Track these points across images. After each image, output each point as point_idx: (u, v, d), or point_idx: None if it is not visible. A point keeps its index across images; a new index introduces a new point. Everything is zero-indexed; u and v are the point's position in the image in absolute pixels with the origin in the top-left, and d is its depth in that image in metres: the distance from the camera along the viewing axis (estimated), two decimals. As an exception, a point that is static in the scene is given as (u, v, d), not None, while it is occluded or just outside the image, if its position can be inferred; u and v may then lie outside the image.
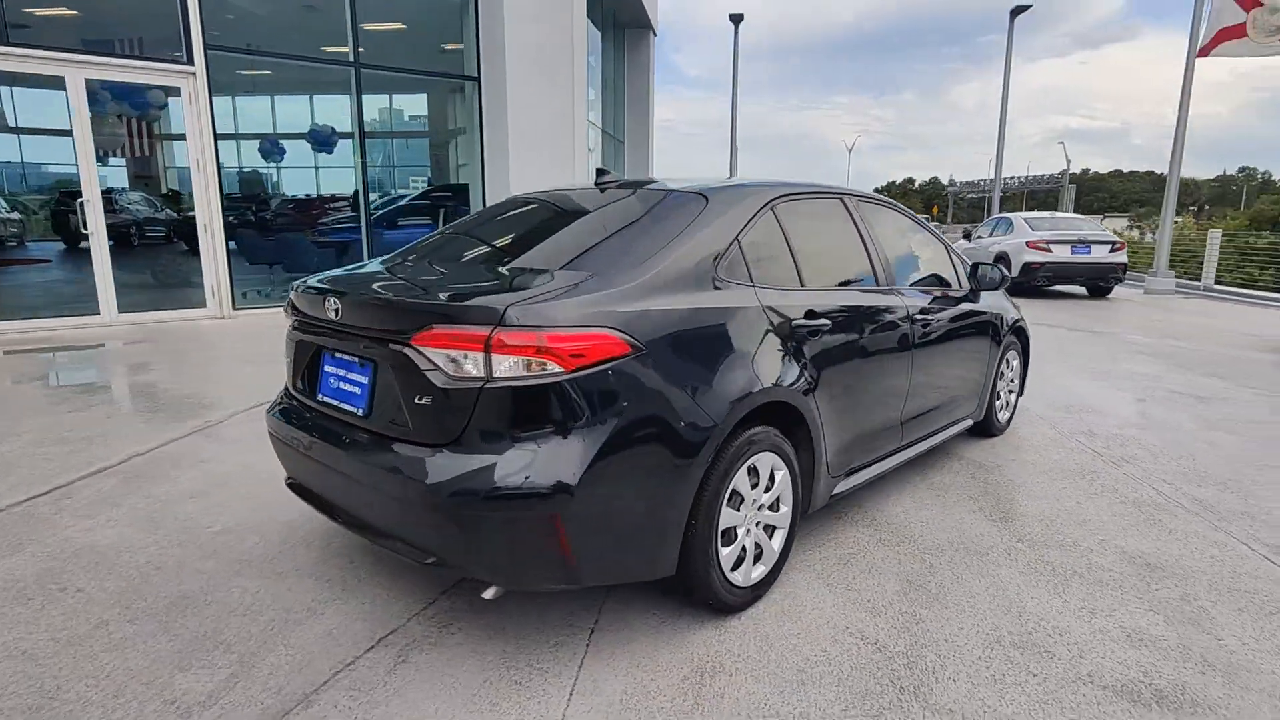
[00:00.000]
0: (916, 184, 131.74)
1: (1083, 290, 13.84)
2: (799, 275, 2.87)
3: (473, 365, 2.03)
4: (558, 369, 2.01)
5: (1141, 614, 2.57)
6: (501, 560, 2.08)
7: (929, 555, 2.99)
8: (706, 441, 2.24)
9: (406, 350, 2.13)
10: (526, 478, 1.98)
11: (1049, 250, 12.67)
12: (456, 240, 3.13)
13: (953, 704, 2.08)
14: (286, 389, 2.82)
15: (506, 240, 3.00)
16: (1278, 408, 5.49)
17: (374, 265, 2.92)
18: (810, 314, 2.77)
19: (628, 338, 2.12)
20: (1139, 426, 4.90)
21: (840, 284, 3.15)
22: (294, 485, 2.76)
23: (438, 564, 2.17)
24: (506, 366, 2.00)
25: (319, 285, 2.55)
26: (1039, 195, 67.34)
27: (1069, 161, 53.55)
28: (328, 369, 2.53)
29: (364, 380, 2.33)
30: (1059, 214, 15.36)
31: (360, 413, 2.33)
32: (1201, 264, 15.68)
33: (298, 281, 2.77)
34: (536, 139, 10.73)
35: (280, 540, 3.02)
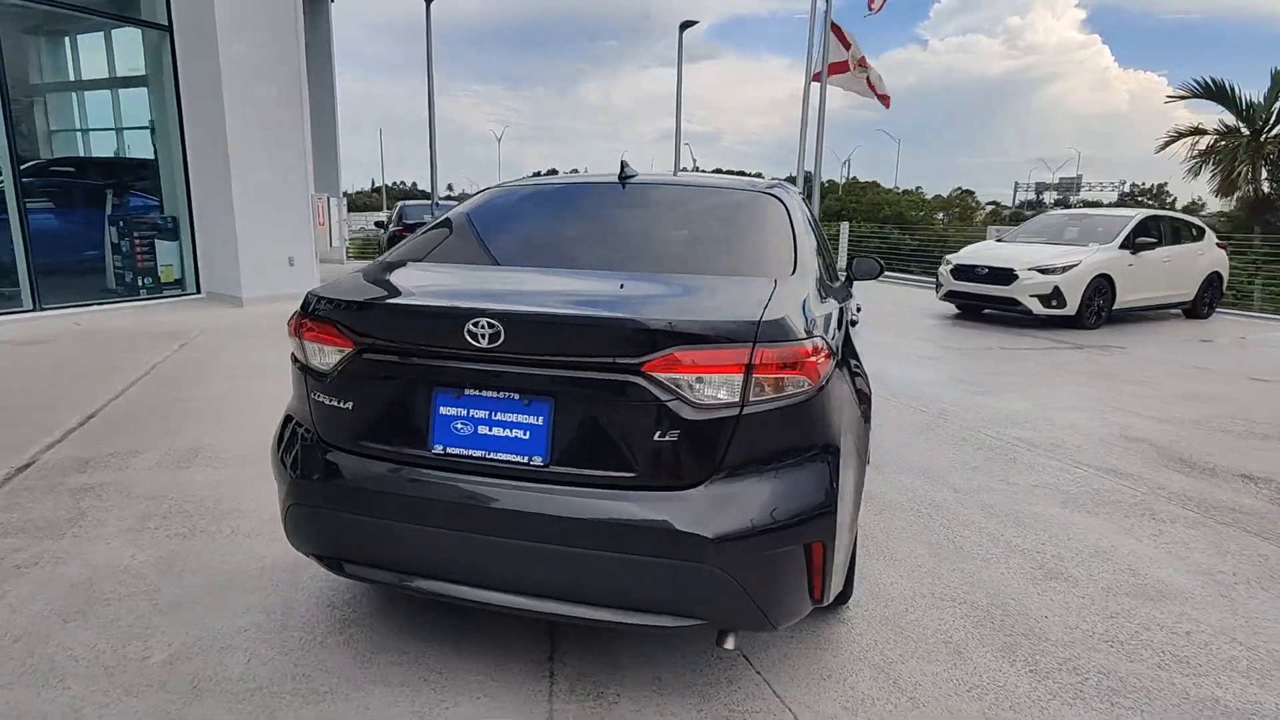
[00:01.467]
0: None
1: None
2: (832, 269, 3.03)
3: (727, 390, 1.80)
4: (809, 384, 1.86)
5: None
6: (763, 600, 1.84)
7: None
8: (869, 444, 2.36)
9: (634, 380, 1.80)
10: (798, 506, 1.84)
11: None
12: (528, 243, 2.69)
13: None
14: (320, 439, 2.11)
15: (611, 241, 2.62)
16: (945, 348, 7.71)
17: (459, 275, 2.42)
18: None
19: (828, 345, 1.96)
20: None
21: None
22: (359, 566, 2.11)
23: (720, 635, 1.92)
24: (765, 387, 1.81)
25: (451, 305, 1.97)
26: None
27: (695, 160, 61.53)
28: (452, 410, 1.94)
29: (536, 421, 1.88)
30: None
31: (540, 460, 1.87)
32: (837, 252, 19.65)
33: (354, 292, 2.17)
34: (262, 111, 9.13)
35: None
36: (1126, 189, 60.64)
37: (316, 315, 2.11)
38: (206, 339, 7.20)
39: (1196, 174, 14.90)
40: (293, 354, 2.24)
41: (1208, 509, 3.59)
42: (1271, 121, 13.92)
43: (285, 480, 2.15)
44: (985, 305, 9.74)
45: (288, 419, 2.30)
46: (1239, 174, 13.89)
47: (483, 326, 1.86)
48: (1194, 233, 10.51)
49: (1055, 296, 8.86)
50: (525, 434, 1.89)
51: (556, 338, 1.88)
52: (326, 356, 2.08)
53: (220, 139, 8.84)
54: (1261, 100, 13.86)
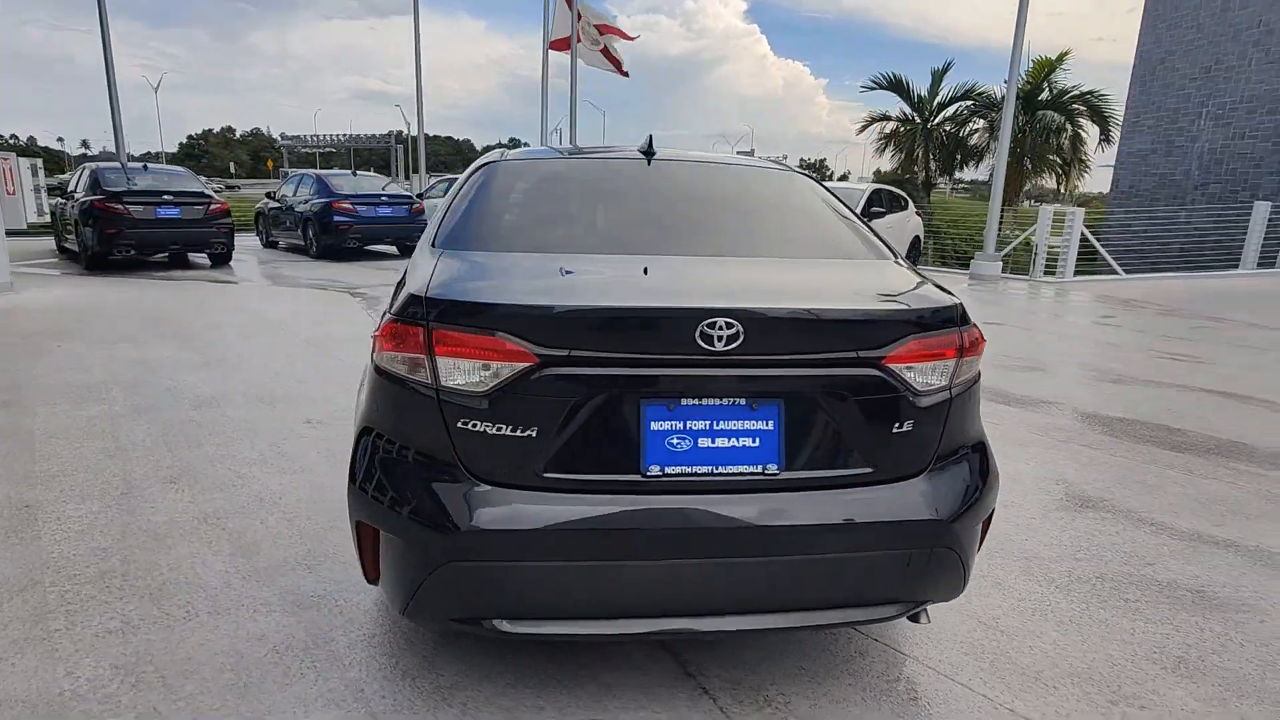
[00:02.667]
0: (239, 134, 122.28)
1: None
2: None
3: (942, 375, 1.81)
4: (978, 363, 1.95)
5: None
6: (967, 572, 1.89)
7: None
8: None
9: (874, 373, 1.75)
10: (986, 479, 1.92)
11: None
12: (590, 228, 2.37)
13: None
14: (472, 476, 1.71)
15: (705, 225, 2.43)
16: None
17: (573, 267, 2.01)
18: None
19: None
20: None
21: None
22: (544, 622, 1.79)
23: (912, 612, 1.92)
24: (962, 369, 1.85)
25: (685, 305, 1.71)
26: (365, 154, 70.45)
27: (408, 124, 57.81)
28: (666, 424, 1.70)
29: (766, 426, 1.73)
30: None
31: (775, 468, 1.73)
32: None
33: (526, 292, 1.80)
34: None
35: None
36: (793, 162, 70.65)
37: (465, 323, 1.68)
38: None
39: (882, 153, 18.10)
40: (389, 371, 1.77)
41: (1046, 431, 4.45)
42: (934, 112, 17.35)
43: (423, 539, 1.70)
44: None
45: (391, 459, 1.80)
46: (916, 155, 17.12)
47: (720, 328, 1.65)
48: (901, 203, 12.67)
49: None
50: (754, 441, 1.73)
51: (798, 334, 1.74)
52: (483, 374, 1.67)
53: None
54: (926, 95, 17.19)
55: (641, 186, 2.58)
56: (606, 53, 20.70)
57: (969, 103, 16.71)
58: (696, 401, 1.71)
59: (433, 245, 2.14)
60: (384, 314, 1.85)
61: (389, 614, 2.32)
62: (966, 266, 13.03)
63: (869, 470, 1.78)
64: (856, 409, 1.75)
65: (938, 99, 17.19)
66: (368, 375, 1.97)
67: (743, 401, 1.72)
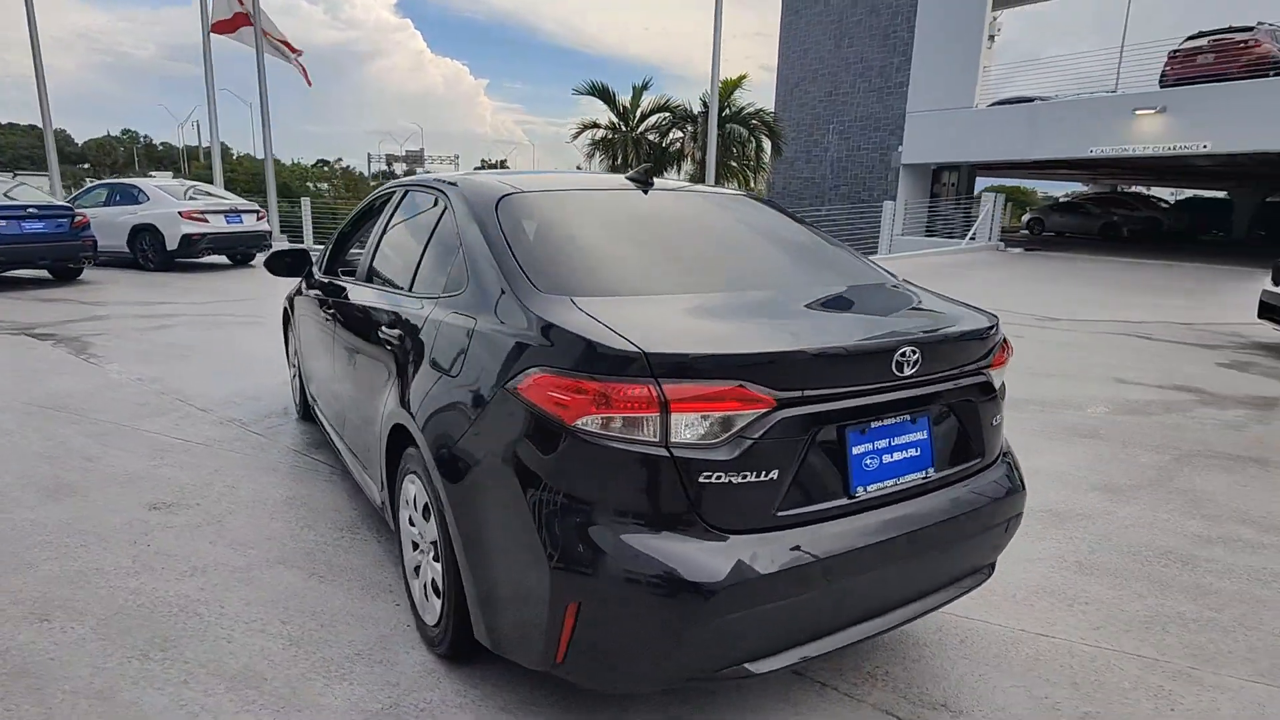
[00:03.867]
0: None
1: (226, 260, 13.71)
2: None
3: (1002, 375, 2.19)
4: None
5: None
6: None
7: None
8: None
9: (983, 378, 2.06)
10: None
11: (206, 220, 12.04)
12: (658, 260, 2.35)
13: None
14: (716, 530, 1.63)
15: (749, 253, 2.57)
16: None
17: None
18: None
19: None
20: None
21: None
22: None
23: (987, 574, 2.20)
24: (998, 370, 2.21)
25: (884, 339, 1.88)
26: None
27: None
28: (862, 447, 1.81)
29: (921, 436, 1.92)
30: (200, 184, 14.43)
31: (931, 471, 1.93)
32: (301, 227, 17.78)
33: (752, 341, 1.79)
34: None
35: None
36: (473, 162, 70.40)
37: (707, 375, 1.61)
38: None
39: (591, 158, 19.00)
40: (593, 437, 1.60)
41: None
42: (636, 121, 18.71)
43: (676, 606, 1.58)
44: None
45: (608, 528, 1.63)
46: (622, 161, 18.29)
47: (908, 355, 1.82)
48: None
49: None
50: (917, 451, 1.92)
51: (952, 354, 1.99)
52: (723, 424, 1.60)
53: None
54: (629, 104, 18.47)
55: (678, 219, 2.67)
56: (287, 44, 18.47)
57: (667, 114, 18.49)
58: (880, 423, 1.84)
59: (514, 293, 1.92)
60: (556, 372, 1.66)
61: None
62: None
63: (979, 460, 2.07)
64: (975, 410, 2.04)
65: (640, 109, 18.70)
66: (534, 454, 1.69)
67: (908, 418, 1.90)
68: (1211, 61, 15.38)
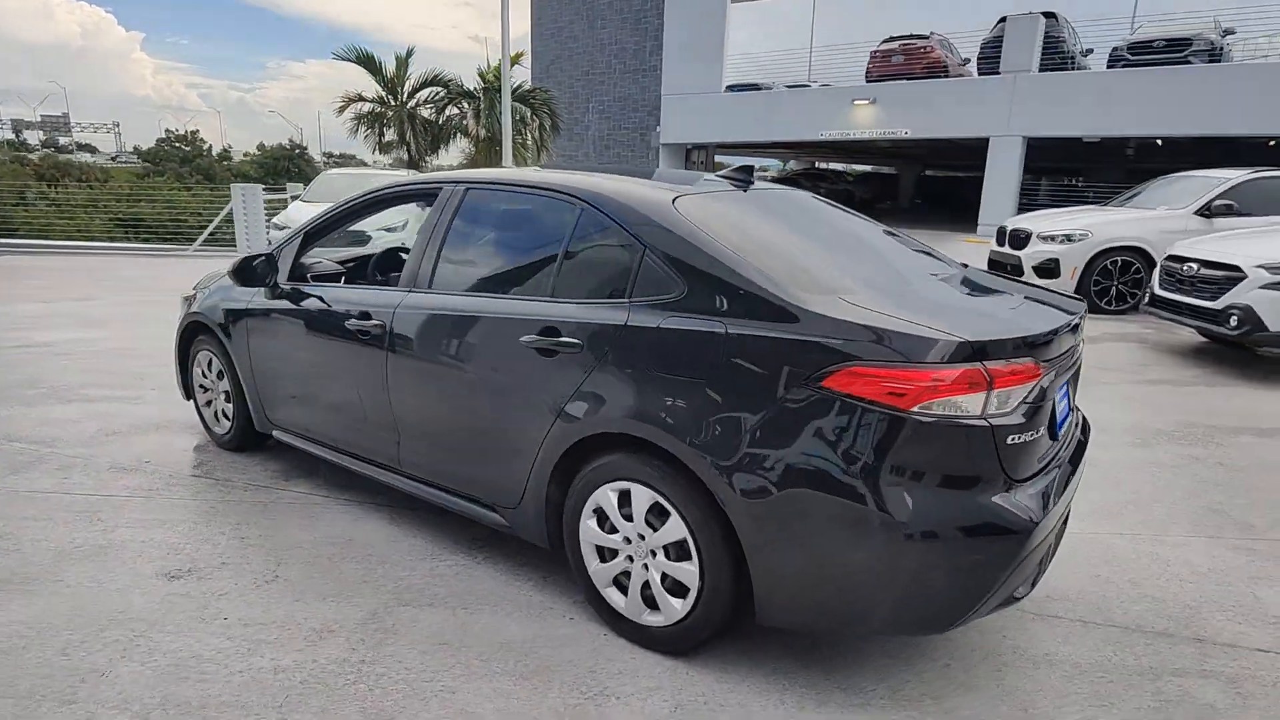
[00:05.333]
0: None
1: None
2: None
3: None
4: None
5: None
6: None
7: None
8: None
9: (1082, 335, 2.49)
10: None
11: None
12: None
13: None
14: (1012, 481, 1.93)
15: (877, 249, 2.71)
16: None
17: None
18: None
19: None
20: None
21: None
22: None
23: None
24: None
25: (1074, 311, 2.30)
26: None
27: None
28: (1058, 399, 2.18)
29: (1064, 385, 2.27)
30: None
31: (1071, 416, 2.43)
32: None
33: (1025, 322, 2.10)
34: None
35: None
36: (135, 133, 59.83)
37: (1015, 356, 1.92)
38: None
39: (356, 133, 17.34)
40: (932, 419, 1.82)
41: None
42: (407, 94, 17.38)
43: (1008, 546, 1.88)
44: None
45: (947, 493, 1.88)
46: (391, 137, 16.93)
47: (1077, 324, 2.32)
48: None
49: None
50: (1065, 405, 2.35)
51: (1080, 322, 2.44)
52: (1018, 395, 1.92)
53: None
54: (395, 76, 17.07)
55: (807, 216, 2.79)
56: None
57: (441, 89, 17.45)
58: (1060, 379, 2.21)
59: (776, 295, 2.01)
60: (906, 366, 1.82)
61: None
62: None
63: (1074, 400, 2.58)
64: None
65: (410, 83, 17.41)
66: (875, 446, 1.85)
67: (1063, 379, 2.30)
68: (902, 62, 18.58)
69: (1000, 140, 16.49)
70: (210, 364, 3.82)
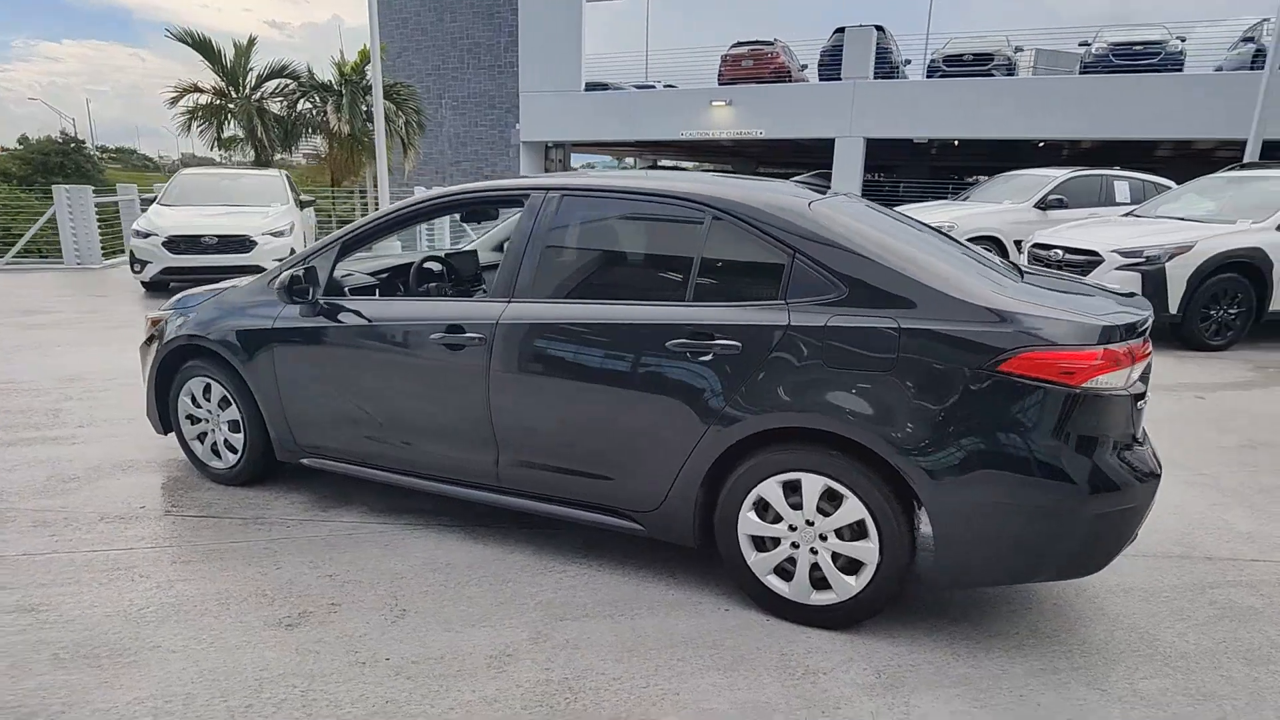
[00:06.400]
0: None
1: None
2: None
3: None
4: None
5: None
6: None
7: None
8: None
9: None
10: None
11: None
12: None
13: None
14: (1135, 442, 2.27)
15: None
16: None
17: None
18: None
19: None
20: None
21: None
22: None
23: None
24: None
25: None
26: None
27: None
28: None
29: None
30: None
31: None
32: None
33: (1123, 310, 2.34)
34: None
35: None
36: None
37: (1138, 337, 2.25)
38: None
39: (189, 127, 15.38)
40: (1101, 392, 2.13)
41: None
42: (252, 84, 15.68)
43: (1143, 490, 2.21)
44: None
45: (1112, 448, 2.19)
46: (247, 134, 15.21)
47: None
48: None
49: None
50: None
51: None
52: (1139, 370, 2.26)
53: None
54: (234, 64, 15.33)
55: (889, 216, 2.95)
56: None
57: (292, 81, 15.91)
58: None
59: (945, 292, 2.24)
60: (1068, 349, 2.11)
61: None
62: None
63: None
64: None
65: (255, 72, 15.71)
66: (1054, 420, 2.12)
67: None
68: (752, 66, 19.67)
69: (845, 141, 18.00)
70: (206, 391, 3.41)
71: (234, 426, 3.39)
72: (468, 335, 2.72)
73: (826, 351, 2.28)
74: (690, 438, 2.43)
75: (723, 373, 2.38)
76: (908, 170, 26.53)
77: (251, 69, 15.80)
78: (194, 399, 3.46)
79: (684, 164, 35.13)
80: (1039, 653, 2.32)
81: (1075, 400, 2.10)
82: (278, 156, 16.33)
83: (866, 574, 2.31)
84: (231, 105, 15.66)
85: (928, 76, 18.55)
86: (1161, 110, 15.36)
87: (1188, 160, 18.43)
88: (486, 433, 2.76)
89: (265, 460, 3.38)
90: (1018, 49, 18.63)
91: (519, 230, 2.80)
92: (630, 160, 32.07)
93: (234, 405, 3.34)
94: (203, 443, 3.50)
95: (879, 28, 18.36)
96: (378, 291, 3.42)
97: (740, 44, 20.40)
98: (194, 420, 3.51)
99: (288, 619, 2.42)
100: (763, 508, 2.41)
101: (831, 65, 18.85)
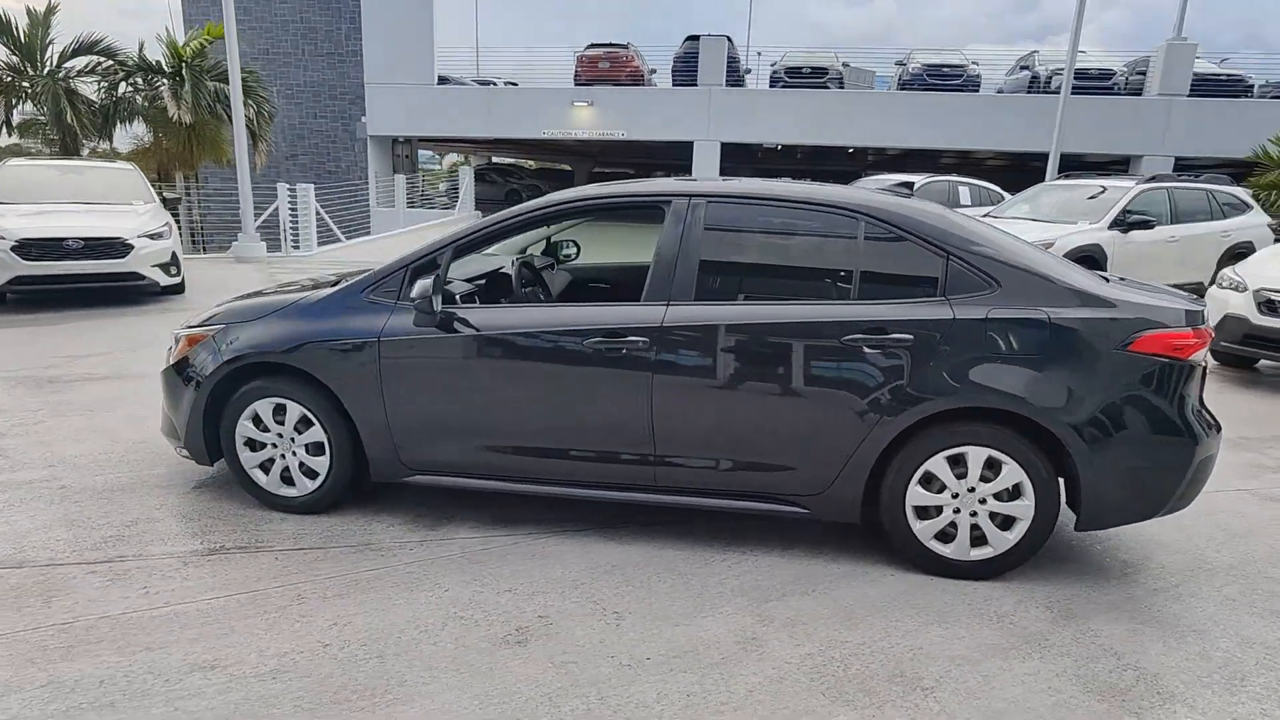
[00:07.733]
0: None
1: None
2: None
3: None
4: None
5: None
6: None
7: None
8: None
9: None
10: None
11: None
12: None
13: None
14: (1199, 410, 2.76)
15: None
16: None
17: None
18: None
19: None
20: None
21: None
22: None
23: None
24: None
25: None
26: None
27: None
28: None
29: None
30: None
31: None
32: None
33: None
34: None
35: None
36: None
37: (1202, 321, 2.75)
38: None
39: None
40: (1199, 362, 2.68)
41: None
42: (54, 62, 13.15)
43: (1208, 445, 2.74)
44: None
45: (1194, 404, 2.69)
46: (32, 115, 12.70)
47: None
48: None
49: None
50: None
51: None
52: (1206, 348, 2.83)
53: None
54: (29, 35, 12.78)
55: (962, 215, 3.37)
56: None
57: (108, 60, 13.53)
58: None
59: (1081, 288, 2.70)
60: (1188, 327, 2.63)
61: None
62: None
63: None
64: None
65: (55, 46, 13.17)
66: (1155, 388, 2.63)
67: None
68: (608, 68, 20.06)
69: (702, 144, 18.92)
70: (277, 413, 3.11)
71: (315, 449, 3.11)
72: (630, 339, 2.76)
73: (988, 340, 2.63)
74: (865, 424, 2.68)
75: (895, 363, 2.65)
76: (734, 172, 28.46)
77: (52, 41, 13.43)
78: (261, 423, 3.13)
79: (523, 162, 34.97)
80: (1139, 577, 2.85)
81: (1184, 371, 2.63)
82: (90, 145, 14.04)
83: (1021, 528, 2.70)
84: (26, 84, 13.20)
85: (771, 86, 19.96)
86: (969, 125, 17.81)
87: (972, 168, 21.50)
88: (645, 433, 2.82)
89: (353, 482, 3.15)
90: (845, 64, 20.60)
91: (667, 235, 2.88)
92: (463, 157, 31.24)
93: (318, 425, 3.07)
94: (267, 471, 3.17)
95: (728, 38, 19.47)
96: (476, 299, 3.30)
97: (595, 45, 20.69)
98: (255, 446, 3.17)
99: (512, 636, 2.35)
100: (927, 480, 2.72)
101: (685, 71, 19.69)
